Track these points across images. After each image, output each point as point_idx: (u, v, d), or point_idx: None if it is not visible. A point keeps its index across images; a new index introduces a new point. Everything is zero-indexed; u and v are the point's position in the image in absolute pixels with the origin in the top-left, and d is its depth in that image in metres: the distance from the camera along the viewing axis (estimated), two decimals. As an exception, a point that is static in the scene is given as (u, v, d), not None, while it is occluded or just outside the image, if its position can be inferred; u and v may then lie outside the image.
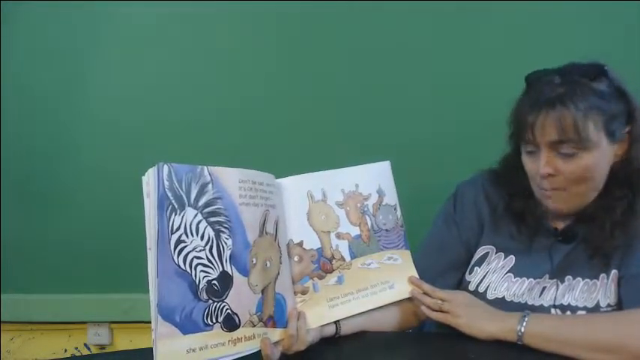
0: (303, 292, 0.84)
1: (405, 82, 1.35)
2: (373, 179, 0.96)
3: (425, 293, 0.92)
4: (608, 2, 1.29)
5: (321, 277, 0.86)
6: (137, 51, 1.41)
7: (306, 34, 1.37)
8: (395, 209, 0.98)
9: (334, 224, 0.90)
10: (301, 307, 0.82)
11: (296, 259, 0.84)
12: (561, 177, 0.84)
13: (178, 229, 0.70)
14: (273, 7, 1.36)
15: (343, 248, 0.90)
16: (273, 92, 1.39)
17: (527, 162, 0.89)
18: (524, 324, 0.80)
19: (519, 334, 0.80)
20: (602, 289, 0.87)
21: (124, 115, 1.42)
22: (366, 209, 0.94)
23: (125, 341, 1.51)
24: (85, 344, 1.51)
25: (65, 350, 1.52)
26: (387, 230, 0.95)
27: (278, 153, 1.34)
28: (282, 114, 1.38)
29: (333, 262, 0.88)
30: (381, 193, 0.96)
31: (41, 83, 1.42)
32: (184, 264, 0.70)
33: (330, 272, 0.87)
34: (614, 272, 0.87)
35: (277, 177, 0.85)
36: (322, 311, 0.84)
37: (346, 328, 0.87)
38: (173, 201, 0.70)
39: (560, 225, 0.93)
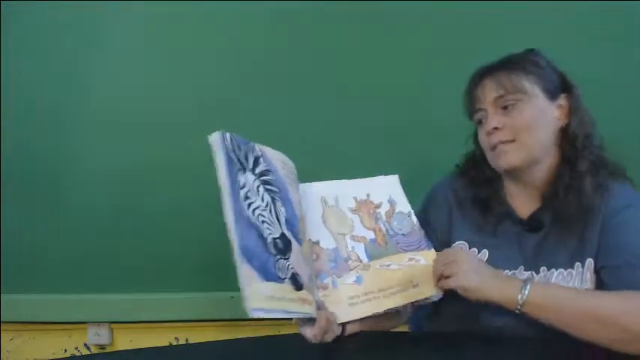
0: (324, 288, 0.85)
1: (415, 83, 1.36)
2: (383, 190, 0.99)
3: None
4: (608, 2, 1.29)
5: (338, 276, 0.87)
6: (137, 51, 1.41)
7: (309, 33, 1.38)
8: (409, 216, 0.98)
9: (349, 227, 0.92)
10: (323, 302, 0.84)
11: (314, 256, 0.87)
12: (507, 129, 0.91)
13: (244, 186, 0.73)
14: (273, 7, 1.36)
15: (359, 250, 0.91)
16: (277, 92, 1.39)
17: (480, 132, 0.97)
18: (526, 292, 0.80)
19: (520, 302, 0.80)
20: (577, 278, 0.88)
21: (124, 115, 1.42)
22: (379, 216, 0.96)
23: (125, 341, 1.51)
24: (85, 344, 1.51)
25: (65, 350, 1.52)
26: (404, 234, 0.96)
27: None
28: (284, 114, 1.38)
29: (350, 262, 0.89)
30: (392, 202, 0.98)
31: (41, 83, 1.42)
32: (252, 217, 0.73)
33: (347, 272, 0.88)
34: (589, 261, 0.88)
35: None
36: (343, 309, 0.85)
37: (349, 329, 0.88)
38: (237, 162, 0.74)
39: (526, 214, 0.96)
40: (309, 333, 0.80)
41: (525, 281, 0.82)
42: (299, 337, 0.81)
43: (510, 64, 0.94)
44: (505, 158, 0.92)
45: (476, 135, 1.00)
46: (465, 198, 1.01)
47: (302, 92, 1.38)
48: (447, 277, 0.84)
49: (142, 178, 1.41)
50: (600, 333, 0.76)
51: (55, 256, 1.45)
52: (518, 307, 0.80)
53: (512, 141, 0.91)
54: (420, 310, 0.98)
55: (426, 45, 1.35)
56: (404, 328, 1.12)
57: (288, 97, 1.38)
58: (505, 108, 0.91)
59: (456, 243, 0.98)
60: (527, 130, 0.90)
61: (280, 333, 1.40)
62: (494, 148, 0.93)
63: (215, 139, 0.74)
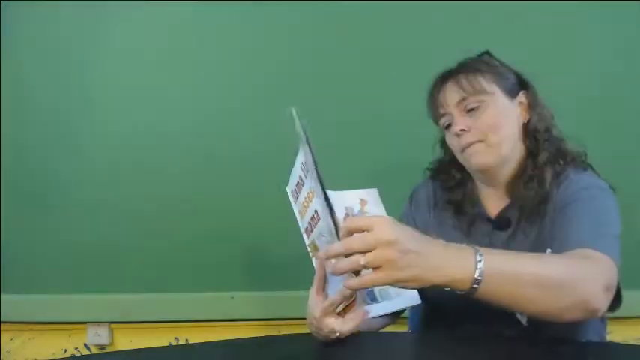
0: None
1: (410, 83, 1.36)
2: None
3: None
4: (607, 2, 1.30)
5: None
6: (137, 51, 1.41)
7: (311, 34, 1.38)
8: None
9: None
10: None
11: None
12: (475, 130, 0.93)
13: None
14: (274, 7, 1.37)
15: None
16: (274, 93, 1.39)
17: (448, 136, 0.98)
18: (481, 260, 0.65)
19: (478, 275, 0.65)
20: None
21: (124, 115, 1.42)
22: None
23: (125, 341, 1.51)
24: (85, 344, 1.51)
25: (65, 350, 1.51)
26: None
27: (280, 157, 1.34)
28: (280, 113, 1.38)
29: None
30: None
31: (41, 83, 1.42)
32: None
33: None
34: (548, 251, 0.86)
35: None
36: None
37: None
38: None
39: (495, 212, 0.98)
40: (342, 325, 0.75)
41: (474, 250, 0.67)
42: (299, 337, 0.81)
43: (467, 67, 0.96)
44: (477, 158, 0.94)
45: (443, 140, 1.02)
46: (440, 199, 1.04)
47: (305, 93, 1.38)
48: (375, 269, 0.62)
49: (143, 178, 1.41)
50: (549, 299, 0.69)
51: (54, 256, 1.45)
52: (475, 284, 0.65)
53: (481, 141, 0.93)
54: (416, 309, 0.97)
55: (417, 44, 1.35)
56: (404, 328, 1.12)
57: (277, 95, 1.38)
58: (470, 110, 0.94)
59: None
60: (493, 129, 0.93)
61: (280, 333, 1.41)
62: (464, 150, 0.94)
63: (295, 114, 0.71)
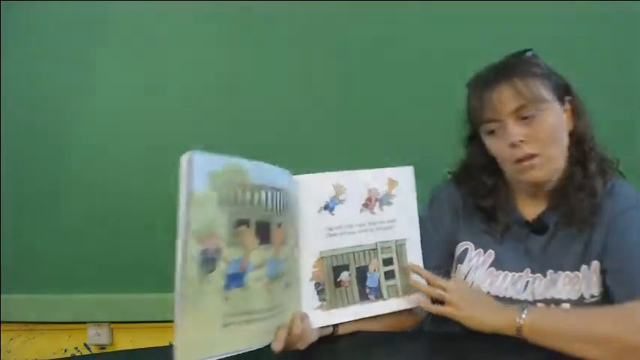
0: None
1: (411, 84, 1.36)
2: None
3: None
4: (605, 2, 1.29)
5: None
6: (137, 51, 1.41)
7: (314, 34, 1.38)
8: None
9: None
10: None
11: None
12: (532, 142, 0.87)
13: None
14: (273, 7, 1.36)
15: None
16: (277, 92, 1.39)
17: (493, 143, 0.91)
18: (524, 316, 0.79)
19: (519, 326, 0.79)
20: (584, 281, 0.88)
21: (124, 116, 1.42)
22: None
23: (125, 341, 1.51)
24: (85, 344, 1.51)
25: (65, 350, 1.51)
26: None
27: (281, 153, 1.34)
28: (285, 114, 1.38)
29: None
30: None
31: (41, 83, 1.42)
32: None
33: None
34: (595, 263, 0.88)
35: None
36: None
37: (343, 329, 0.88)
38: None
39: (532, 216, 0.95)
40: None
41: (522, 305, 0.82)
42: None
43: (523, 70, 0.89)
44: (532, 173, 0.88)
45: (468, 141, 0.98)
46: (468, 204, 0.99)
47: (302, 91, 1.38)
48: (442, 303, 0.85)
49: (142, 178, 1.41)
50: (597, 353, 0.75)
51: (55, 256, 1.44)
52: (518, 329, 0.79)
53: (538, 155, 0.87)
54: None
55: (427, 45, 1.35)
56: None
57: (289, 96, 1.38)
58: (525, 118, 0.87)
59: (462, 243, 0.98)
60: (551, 141, 0.88)
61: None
62: (518, 161, 0.88)
63: None
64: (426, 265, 0.95)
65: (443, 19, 1.36)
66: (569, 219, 0.90)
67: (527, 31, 1.32)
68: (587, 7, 1.32)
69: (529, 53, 0.93)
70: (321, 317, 0.85)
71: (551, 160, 0.88)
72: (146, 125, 1.41)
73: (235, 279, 0.69)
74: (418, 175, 0.93)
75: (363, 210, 0.89)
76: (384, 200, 0.90)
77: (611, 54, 1.34)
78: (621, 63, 1.34)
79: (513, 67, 0.89)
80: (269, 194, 0.74)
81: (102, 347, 1.51)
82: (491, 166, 0.95)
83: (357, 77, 1.39)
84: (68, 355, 1.51)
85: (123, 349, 1.50)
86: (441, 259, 0.99)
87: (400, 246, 0.91)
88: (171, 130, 1.41)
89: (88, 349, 1.51)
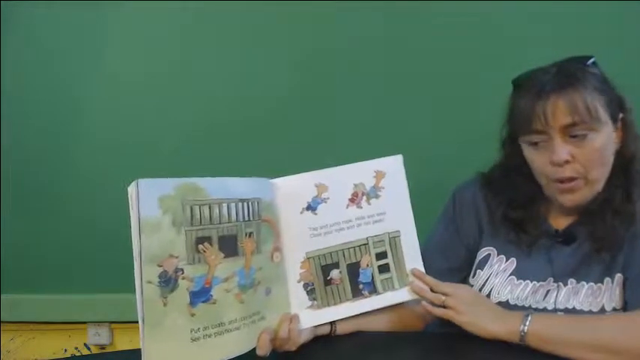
0: None
1: (407, 83, 1.36)
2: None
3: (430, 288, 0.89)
4: (604, 2, 1.29)
5: None
6: (137, 52, 1.41)
7: (309, 34, 1.38)
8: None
9: None
10: None
11: None
12: (577, 163, 0.82)
13: None
14: (275, 7, 1.36)
15: None
16: (271, 93, 1.39)
17: (534, 156, 0.86)
18: (527, 324, 0.78)
19: (522, 334, 0.78)
20: (607, 293, 0.86)
21: (123, 116, 1.42)
22: None
23: (125, 341, 1.51)
24: (85, 344, 1.51)
25: (65, 350, 1.51)
26: None
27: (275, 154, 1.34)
28: (286, 114, 1.38)
29: None
30: None
31: (41, 83, 1.42)
32: None
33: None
34: (618, 276, 0.86)
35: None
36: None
37: (342, 328, 0.88)
38: None
39: (561, 225, 0.92)
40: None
41: (526, 313, 0.80)
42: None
43: (581, 83, 0.81)
44: (572, 197, 0.84)
45: (503, 144, 0.94)
46: (496, 211, 0.95)
47: (303, 91, 1.38)
48: (446, 308, 0.84)
49: (142, 178, 1.41)
50: None
51: (55, 256, 1.44)
52: (522, 336, 0.78)
53: (581, 178, 0.83)
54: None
55: (431, 45, 1.35)
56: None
57: (289, 95, 1.38)
58: (574, 136, 0.81)
59: (485, 248, 0.96)
60: (599, 165, 0.83)
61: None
62: (560, 181, 0.83)
63: None
64: (439, 266, 0.94)
65: (442, 19, 1.36)
66: (599, 244, 0.86)
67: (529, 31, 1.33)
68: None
69: (590, 61, 0.85)
70: (312, 317, 0.84)
71: (593, 183, 0.83)
72: (146, 125, 1.41)
73: (200, 295, 0.70)
74: (411, 165, 0.91)
75: (349, 206, 0.87)
76: (372, 193, 0.88)
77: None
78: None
79: (573, 76, 0.82)
80: (232, 206, 0.75)
81: (102, 347, 1.51)
82: (532, 174, 0.89)
83: (355, 76, 1.38)
84: (68, 355, 1.51)
85: (123, 349, 1.50)
86: (459, 259, 0.98)
87: (394, 238, 0.89)
88: (171, 130, 1.40)
89: (88, 349, 1.51)
